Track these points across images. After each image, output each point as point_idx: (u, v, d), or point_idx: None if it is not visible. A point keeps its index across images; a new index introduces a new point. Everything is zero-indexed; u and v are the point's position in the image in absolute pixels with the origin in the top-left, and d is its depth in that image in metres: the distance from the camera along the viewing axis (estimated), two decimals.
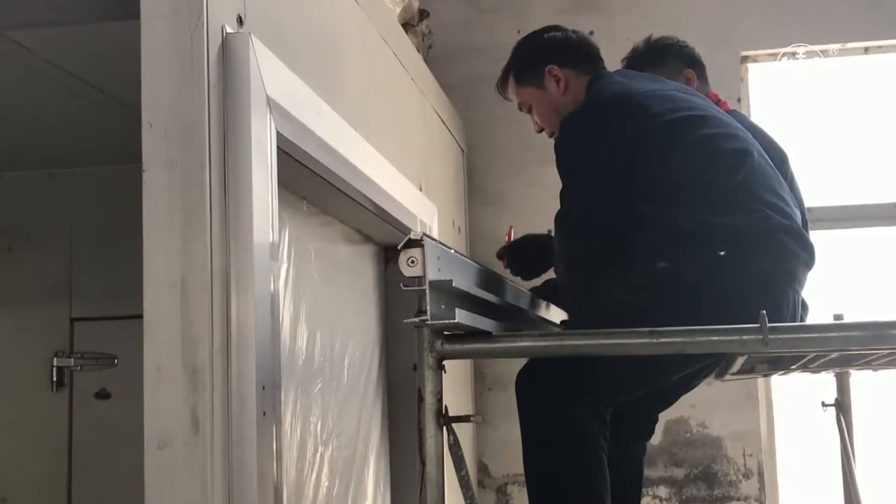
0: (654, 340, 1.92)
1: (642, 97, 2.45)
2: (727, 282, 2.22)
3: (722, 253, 2.24)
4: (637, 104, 2.43)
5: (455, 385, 3.96)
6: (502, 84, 2.82)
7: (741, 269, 2.24)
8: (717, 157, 2.38)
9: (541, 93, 2.71)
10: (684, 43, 3.17)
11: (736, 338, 1.92)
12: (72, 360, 3.87)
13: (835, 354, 2.26)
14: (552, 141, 2.63)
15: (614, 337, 1.98)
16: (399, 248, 1.79)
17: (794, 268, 2.34)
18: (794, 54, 4.62)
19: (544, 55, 2.71)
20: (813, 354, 2.27)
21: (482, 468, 4.62)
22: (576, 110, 2.53)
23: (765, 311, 1.89)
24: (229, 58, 1.92)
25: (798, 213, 2.44)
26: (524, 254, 2.89)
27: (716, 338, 1.95)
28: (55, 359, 3.86)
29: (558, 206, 2.53)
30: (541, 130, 2.79)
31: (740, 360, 2.30)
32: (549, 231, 2.67)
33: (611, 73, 2.66)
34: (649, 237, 2.32)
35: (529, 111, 2.78)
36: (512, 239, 3.00)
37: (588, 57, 2.72)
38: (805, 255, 2.36)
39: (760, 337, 1.88)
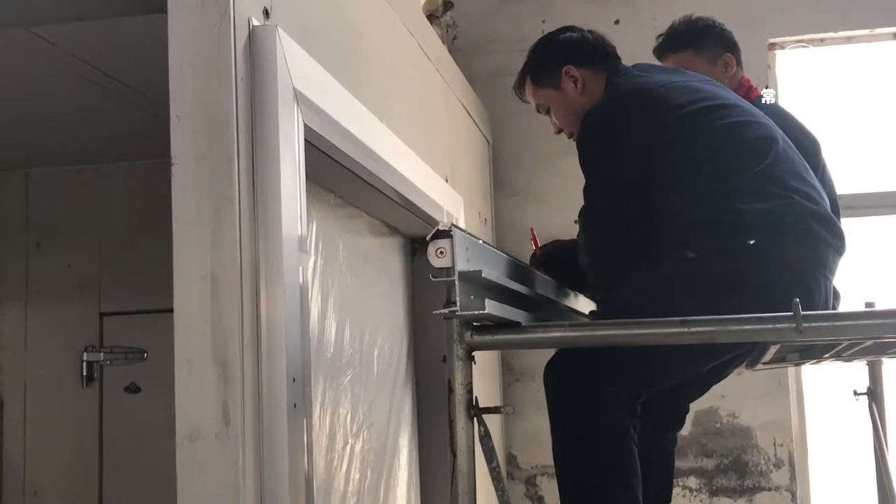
0: (686, 330, 1.90)
1: (662, 89, 2.43)
2: (758, 270, 2.20)
3: (752, 241, 2.22)
4: (657, 96, 2.41)
5: (483, 377, 3.95)
6: (519, 86, 2.80)
7: (772, 258, 2.22)
8: (741, 144, 2.36)
9: (558, 94, 2.69)
10: (723, 26, 3.14)
11: (769, 326, 1.90)
12: (101, 354, 3.89)
13: (869, 343, 2.23)
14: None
15: (646, 326, 1.96)
16: (428, 238, 1.78)
17: (824, 254, 2.31)
18: (821, 40, 4.58)
19: (561, 56, 2.69)
20: (847, 343, 2.24)
21: (511, 460, 4.62)
22: (596, 105, 2.51)
23: (798, 299, 1.87)
24: (256, 50, 1.92)
25: (826, 199, 2.41)
26: (558, 266, 2.85)
27: (748, 326, 1.92)
28: (85, 354, 3.89)
29: (583, 196, 2.51)
30: (559, 132, 2.77)
31: (773, 349, 2.28)
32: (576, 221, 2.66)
33: (629, 68, 2.63)
34: (677, 228, 2.30)
35: (548, 113, 2.76)
36: (536, 239, 2.97)
37: (604, 56, 2.69)
38: (835, 242, 2.33)
39: (794, 325, 1.85)
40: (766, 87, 4.46)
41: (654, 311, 1.99)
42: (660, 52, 3.10)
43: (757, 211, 2.25)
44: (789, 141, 2.46)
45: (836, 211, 2.56)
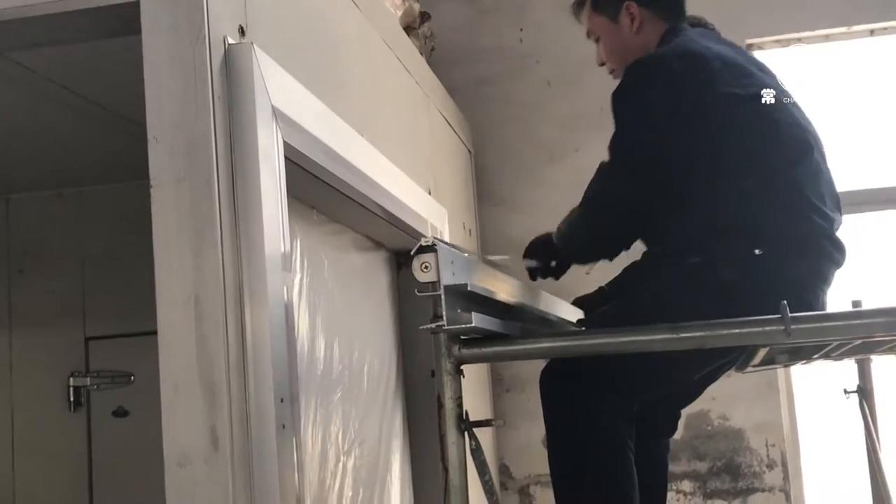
0: (675, 335, 1.90)
1: (719, 63, 2.32)
2: (762, 282, 2.16)
3: (759, 252, 2.18)
4: (711, 71, 2.30)
5: (473, 388, 3.94)
6: (578, 5, 2.69)
7: (776, 270, 2.18)
8: (778, 145, 2.29)
9: (613, 27, 2.59)
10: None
11: (758, 329, 1.90)
12: (88, 379, 3.86)
13: (857, 342, 2.23)
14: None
15: (634, 334, 1.95)
16: (412, 253, 1.77)
17: (827, 270, 2.29)
18: (799, 39, 4.59)
19: None
20: (835, 343, 2.24)
21: (504, 470, 4.60)
22: (646, 60, 2.41)
23: (785, 302, 1.87)
24: (232, 69, 1.91)
25: (840, 214, 2.37)
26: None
27: (737, 330, 1.92)
28: (71, 378, 3.85)
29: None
30: (602, 64, 2.68)
31: (762, 352, 2.27)
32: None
33: (690, 31, 2.53)
34: (686, 227, 2.25)
35: (597, 41, 2.67)
36: None
37: (671, 4, 2.58)
38: (838, 257, 2.30)
39: (782, 328, 1.85)
40: None
41: (653, 317, 1.97)
42: None
43: (772, 223, 2.21)
44: (822, 145, 2.41)
45: (838, 203, 2.49)
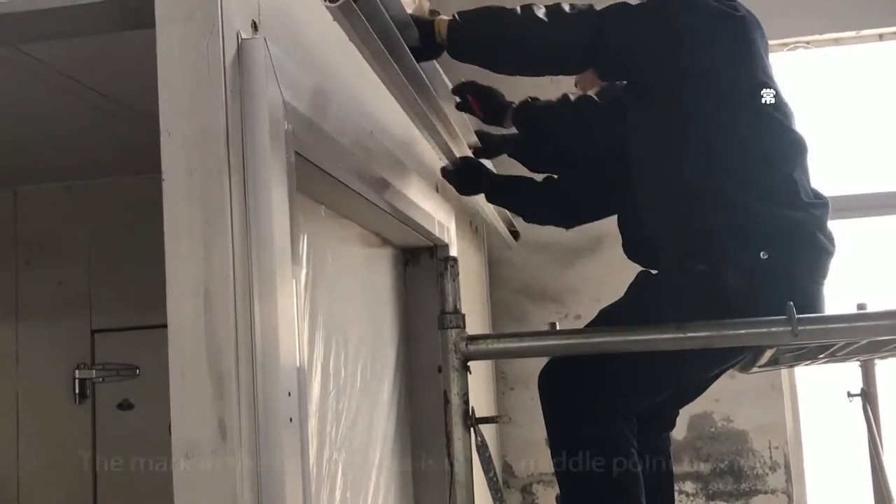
0: (682, 335, 1.91)
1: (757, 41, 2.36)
2: (768, 287, 2.13)
3: (764, 255, 2.16)
4: (751, 42, 2.35)
5: (477, 386, 3.94)
6: None
7: (781, 273, 2.16)
8: (785, 149, 2.29)
9: None
10: None
11: (765, 330, 1.91)
12: (93, 371, 3.88)
13: (863, 342, 2.23)
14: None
15: (641, 333, 1.96)
16: None
17: (825, 264, 2.28)
18: (807, 43, 4.59)
19: None
20: (841, 344, 2.24)
21: (506, 468, 4.61)
22: None
23: (791, 302, 1.87)
24: (245, 63, 1.91)
25: (829, 202, 2.36)
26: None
27: (744, 331, 1.93)
28: (77, 371, 3.87)
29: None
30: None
31: (769, 353, 2.28)
32: None
33: None
34: (686, 228, 2.23)
35: None
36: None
37: None
38: (832, 248, 2.31)
39: (790, 328, 1.86)
40: None
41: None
42: None
43: (776, 218, 2.19)
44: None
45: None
